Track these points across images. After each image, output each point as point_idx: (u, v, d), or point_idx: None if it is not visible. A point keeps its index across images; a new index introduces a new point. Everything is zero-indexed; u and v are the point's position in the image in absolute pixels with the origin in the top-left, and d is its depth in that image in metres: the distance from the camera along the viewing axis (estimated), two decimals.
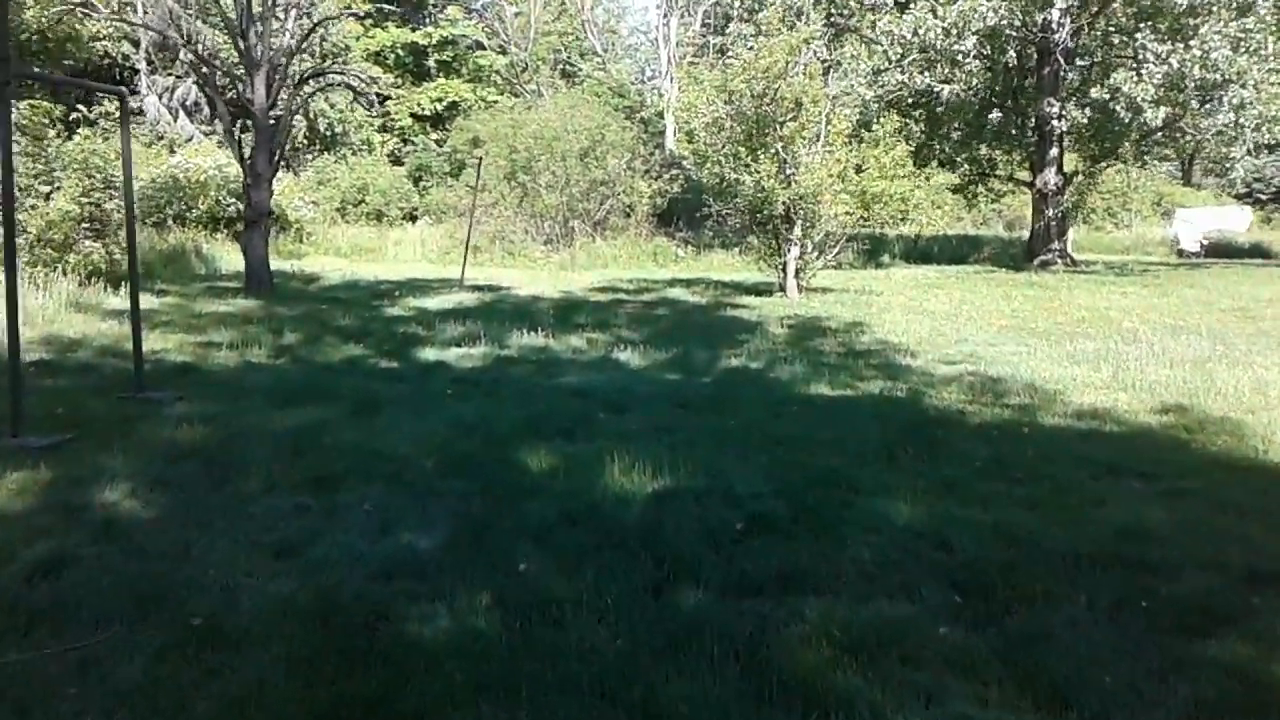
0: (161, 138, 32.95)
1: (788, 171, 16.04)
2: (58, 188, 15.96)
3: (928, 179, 22.06)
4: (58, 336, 10.93)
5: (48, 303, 12.69)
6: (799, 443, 6.54)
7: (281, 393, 8.09)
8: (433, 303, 15.03)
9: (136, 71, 34.82)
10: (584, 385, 8.62)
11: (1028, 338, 12.06)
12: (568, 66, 49.91)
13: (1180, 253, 30.63)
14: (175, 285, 16.69)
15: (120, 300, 14.02)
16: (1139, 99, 19.71)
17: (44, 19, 22.31)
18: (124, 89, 8.04)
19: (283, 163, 17.36)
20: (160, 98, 35.40)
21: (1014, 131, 24.78)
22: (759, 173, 15.85)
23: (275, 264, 22.84)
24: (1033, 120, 23.98)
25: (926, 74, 21.35)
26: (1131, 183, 33.45)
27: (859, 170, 16.49)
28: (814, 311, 14.70)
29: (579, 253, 25.64)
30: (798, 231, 16.45)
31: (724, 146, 16.73)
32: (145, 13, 29.52)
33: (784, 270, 16.79)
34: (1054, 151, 23.86)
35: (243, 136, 17.14)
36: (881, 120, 16.65)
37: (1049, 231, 24.25)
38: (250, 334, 11.41)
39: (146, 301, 14.10)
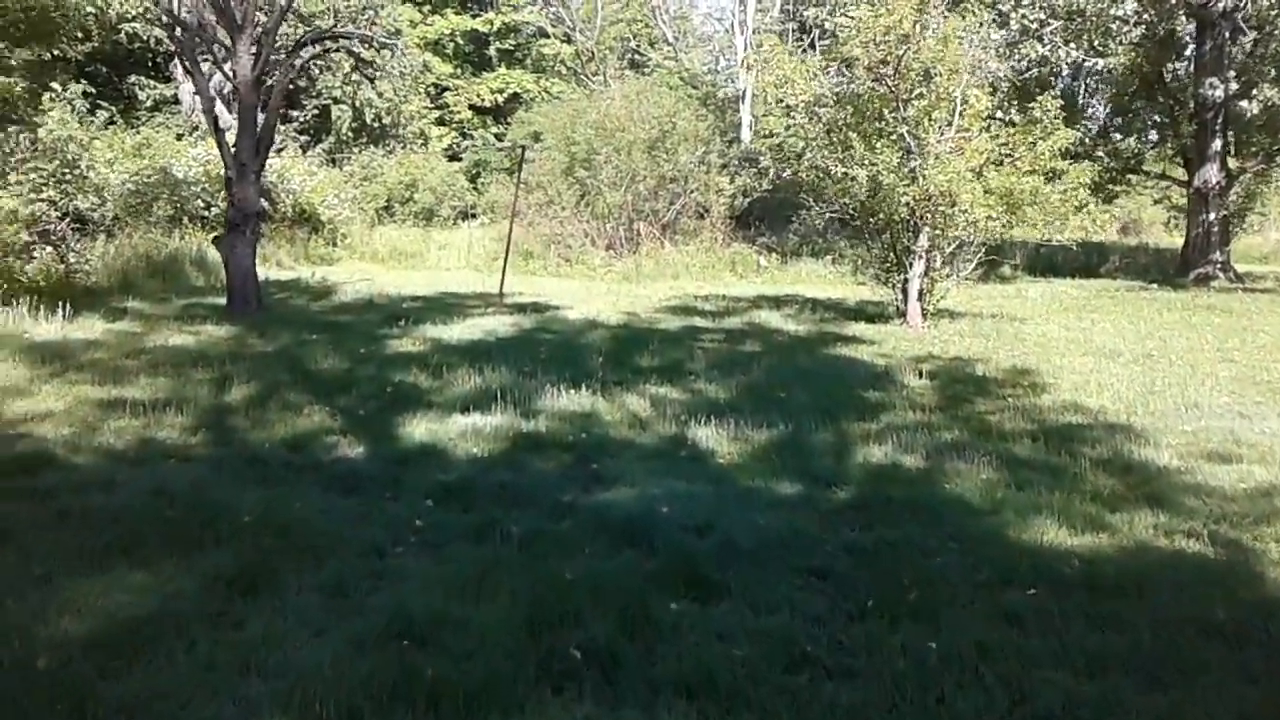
0: (196, 128, 30.32)
1: (913, 163, 12.43)
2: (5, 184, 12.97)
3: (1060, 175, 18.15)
4: None
5: None
6: None
7: (137, 528, 4.80)
8: (456, 331, 11.70)
9: (172, 57, 32.33)
10: (642, 512, 5.18)
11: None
12: (636, 56, 46.53)
13: None
14: (148, 303, 13.57)
15: (53, 327, 10.90)
16: None
17: None
18: None
19: (286, 149, 14.14)
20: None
21: (1165, 120, 20.71)
22: (875, 165, 12.26)
23: (298, 272, 19.95)
24: (1190, 106, 19.91)
25: (1072, 45, 17.55)
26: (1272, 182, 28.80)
27: (1000, 163, 12.76)
28: (953, 349, 11.10)
29: (645, 260, 22.18)
30: (923, 241, 12.82)
31: (827, 134, 13.20)
32: None
33: (904, 290, 13.15)
34: (1217, 144, 19.73)
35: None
36: (1036, 99, 12.92)
37: (1209, 239, 20.17)
38: (187, 386, 8.20)
39: (85, 329, 11.02)
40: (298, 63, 13.40)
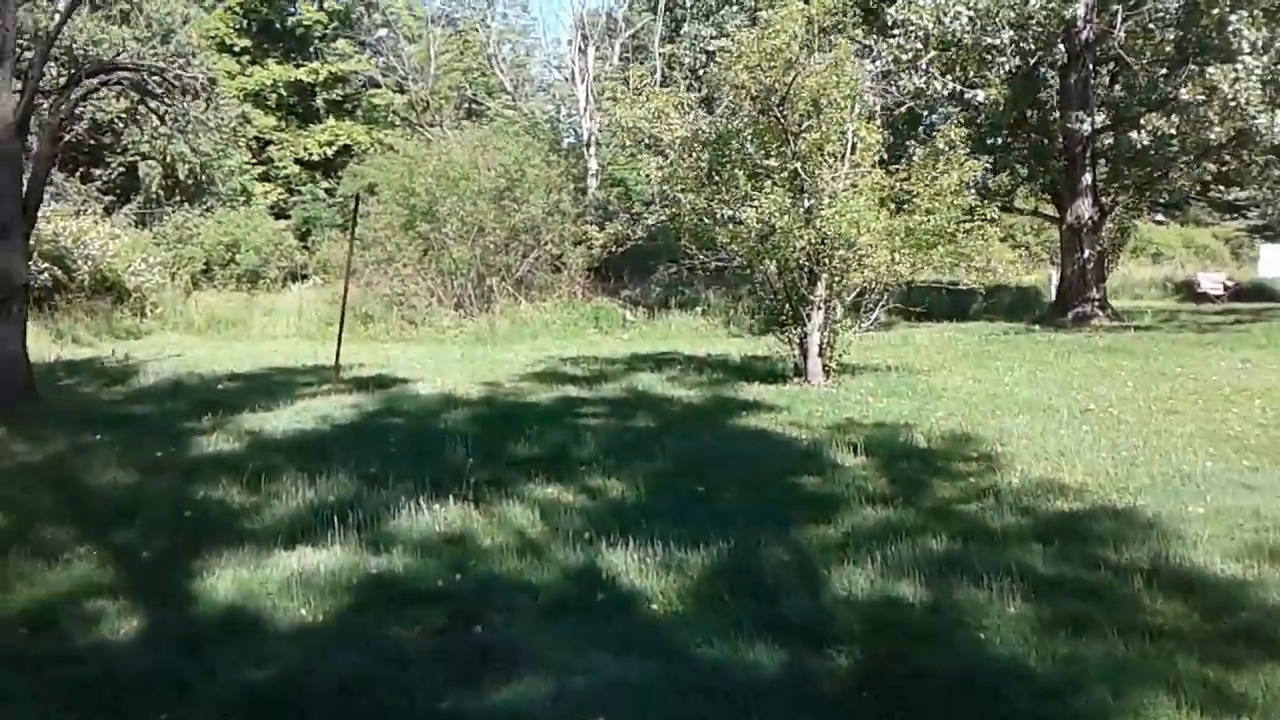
0: None
1: (807, 203, 11.08)
2: None
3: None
4: None
5: None
6: None
7: None
8: (282, 420, 9.58)
9: None
10: None
11: (1272, 466, 7.20)
12: (474, 105, 44.75)
13: (1201, 296, 26.61)
14: None
15: None
16: (1242, 99, 15.22)
17: None
18: None
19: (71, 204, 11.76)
20: None
21: (1031, 156, 20.24)
22: (766, 206, 10.84)
23: (98, 349, 17.29)
24: (1060, 141, 19.49)
25: (948, 77, 16.81)
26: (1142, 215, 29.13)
27: (902, 202, 11.55)
28: (871, 413, 9.66)
29: (499, 319, 20.34)
30: (821, 289, 11.45)
31: (707, 174, 11.76)
32: None
33: (802, 345, 11.73)
34: (1087, 178, 19.39)
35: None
36: (939, 129, 11.86)
37: (1084, 276, 19.72)
38: None
39: None
40: (74, 99, 11.02)
